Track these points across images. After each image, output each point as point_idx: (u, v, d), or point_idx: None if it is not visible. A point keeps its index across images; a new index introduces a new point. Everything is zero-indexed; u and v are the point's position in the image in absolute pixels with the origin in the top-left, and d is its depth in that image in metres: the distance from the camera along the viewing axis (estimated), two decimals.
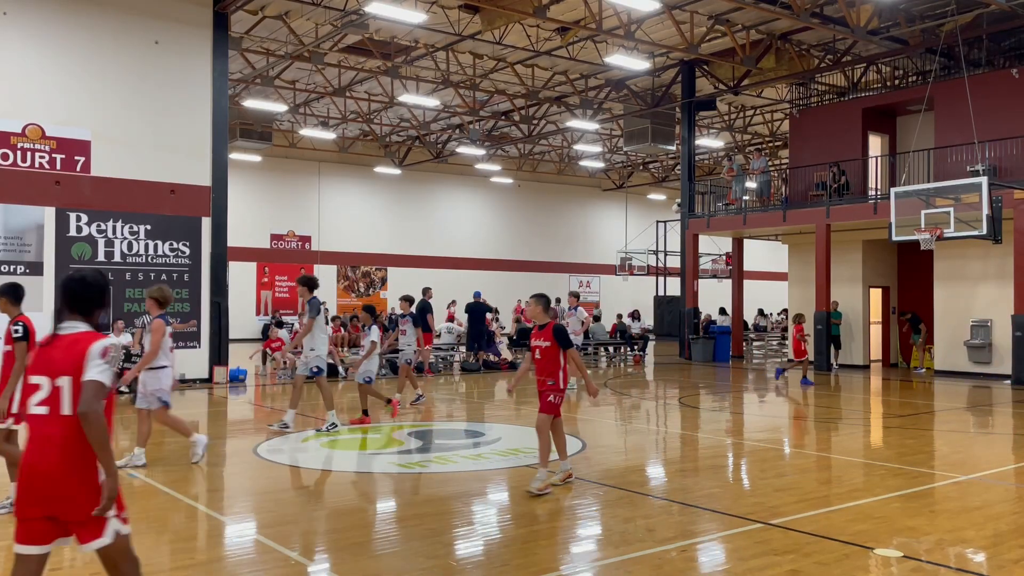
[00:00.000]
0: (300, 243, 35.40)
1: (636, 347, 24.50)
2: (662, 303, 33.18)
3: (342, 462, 9.25)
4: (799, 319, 17.79)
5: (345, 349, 19.32)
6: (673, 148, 26.57)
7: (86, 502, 3.71)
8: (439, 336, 21.70)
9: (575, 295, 17.60)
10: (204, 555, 5.71)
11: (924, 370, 20.02)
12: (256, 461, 9.05)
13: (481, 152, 34.09)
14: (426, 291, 18.37)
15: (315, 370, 11.05)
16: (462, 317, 23.19)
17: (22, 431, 5.55)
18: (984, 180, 15.64)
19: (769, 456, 9.71)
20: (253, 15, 20.06)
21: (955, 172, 18.61)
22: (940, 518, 6.68)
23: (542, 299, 8.06)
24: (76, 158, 15.62)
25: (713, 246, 33.09)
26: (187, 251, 16.67)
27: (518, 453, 9.42)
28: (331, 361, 18.20)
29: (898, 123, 22.40)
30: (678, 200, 26.42)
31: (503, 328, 28.84)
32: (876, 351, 22.65)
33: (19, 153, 15.13)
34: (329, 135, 31.27)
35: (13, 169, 15.05)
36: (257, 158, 33.05)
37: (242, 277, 32.68)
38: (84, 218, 15.67)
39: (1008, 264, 17.99)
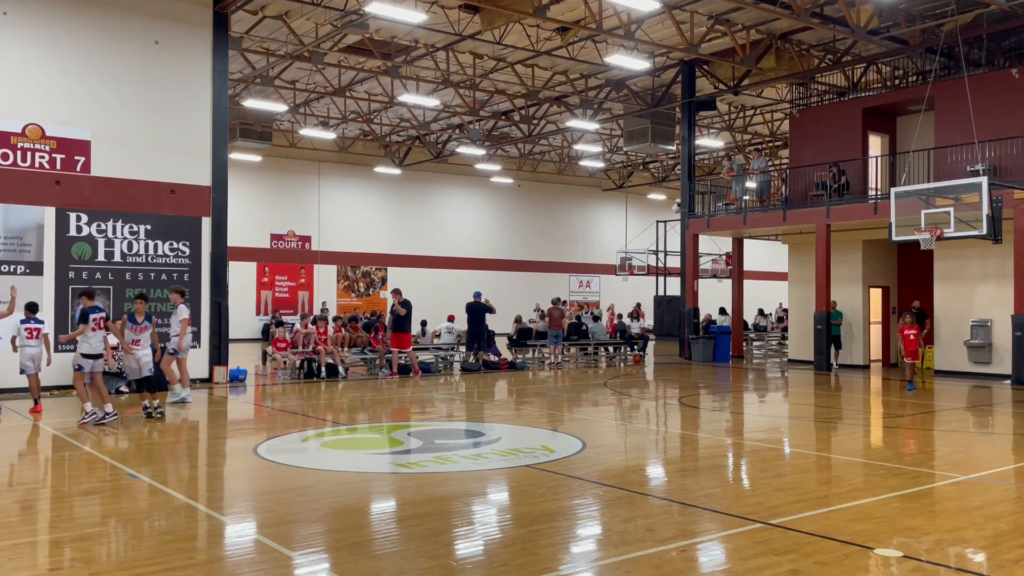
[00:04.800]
0: (300, 243, 35.41)
1: (636, 347, 24.51)
2: (662, 303, 33.20)
3: (342, 462, 9.25)
4: (907, 317, 16.75)
5: (345, 349, 19.31)
6: (673, 148, 26.58)
7: None
8: (439, 336, 21.69)
9: (178, 291, 14.07)
10: (204, 555, 5.71)
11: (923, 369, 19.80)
12: (256, 461, 9.05)
13: (481, 152, 34.10)
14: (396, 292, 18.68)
15: None
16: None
17: None
18: (984, 180, 15.63)
19: (769, 456, 9.71)
20: (253, 15, 20.06)
21: (955, 172, 18.61)
22: (940, 518, 6.68)
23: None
24: (76, 158, 15.62)
25: (713, 246, 33.10)
26: (187, 251, 16.67)
27: (518, 453, 9.42)
28: (331, 361, 18.27)
29: (898, 123, 22.40)
30: (678, 200, 26.42)
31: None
32: (876, 351, 22.65)
33: (19, 153, 15.13)
34: (329, 135, 31.27)
35: (13, 169, 15.05)
36: (257, 158, 33.07)
37: (242, 277, 32.71)
38: (84, 218, 15.67)
39: (1008, 264, 17.99)
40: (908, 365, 16.63)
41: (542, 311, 28.51)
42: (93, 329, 11.42)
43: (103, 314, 11.73)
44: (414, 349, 20.76)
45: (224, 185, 17.17)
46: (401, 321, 18.23)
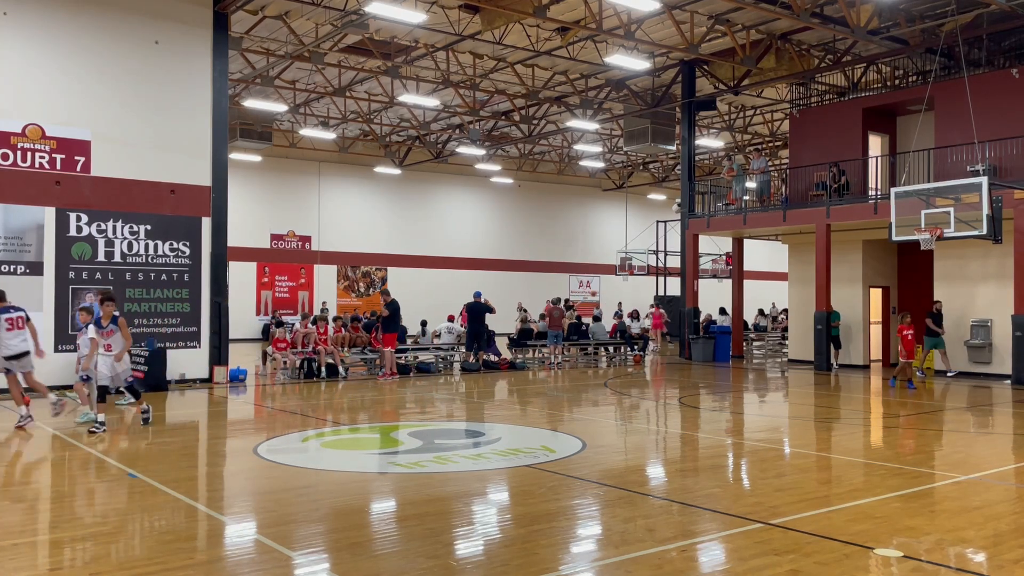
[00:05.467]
0: (300, 243, 35.41)
1: (636, 347, 24.51)
2: (662, 303, 33.19)
3: (342, 462, 9.25)
4: (907, 317, 17.02)
5: (345, 349, 19.30)
6: (673, 148, 26.57)
7: None
8: (439, 336, 21.69)
9: (109, 298, 11.40)
10: (204, 555, 5.71)
11: (923, 372, 19.70)
12: (256, 461, 9.05)
13: (481, 152, 34.09)
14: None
15: None
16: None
17: None
18: (984, 180, 15.63)
19: (769, 456, 9.71)
20: (253, 15, 20.06)
21: (955, 172, 18.60)
22: (940, 518, 6.68)
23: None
24: (76, 158, 15.62)
25: (713, 246, 33.11)
26: (187, 251, 16.67)
27: (518, 453, 9.42)
28: (331, 361, 18.27)
29: (898, 123, 22.39)
30: (678, 200, 26.42)
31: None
32: (876, 351, 22.65)
33: (19, 153, 15.13)
34: (329, 135, 31.27)
35: (13, 169, 15.05)
36: (257, 158, 33.06)
37: (242, 277, 32.71)
38: (84, 218, 15.67)
39: (1008, 264, 17.98)
40: (903, 364, 16.79)
41: (524, 310, 28.49)
42: (8, 329, 11.19)
43: (21, 313, 11.38)
44: (413, 349, 20.75)
45: (224, 185, 17.17)
46: (386, 322, 18.21)
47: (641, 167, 40.47)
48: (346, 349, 19.32)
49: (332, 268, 36.15)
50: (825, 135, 22.48)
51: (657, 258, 34.34)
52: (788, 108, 25.87)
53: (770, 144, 33.67)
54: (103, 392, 11.33)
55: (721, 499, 7.27)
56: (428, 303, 32.45)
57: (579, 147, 34.72)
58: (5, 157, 14.99)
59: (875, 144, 22.21)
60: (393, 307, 18.06)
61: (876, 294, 22.59)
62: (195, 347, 16.67)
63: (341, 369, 18.28)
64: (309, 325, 18.88)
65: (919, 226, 16.42)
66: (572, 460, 9.00)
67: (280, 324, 22.30)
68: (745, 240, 25.56)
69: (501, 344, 22.67)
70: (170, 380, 15.86)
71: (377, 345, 19.18)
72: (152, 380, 15.32)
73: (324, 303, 33.71)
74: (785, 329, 27.65)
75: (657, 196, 44.60)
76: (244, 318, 32.03)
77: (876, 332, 22.70)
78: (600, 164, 38.79)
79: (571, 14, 19.49)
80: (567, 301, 27.48)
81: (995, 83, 19.29)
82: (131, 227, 16.12)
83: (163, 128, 16.48)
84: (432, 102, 26.29)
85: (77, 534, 6.15)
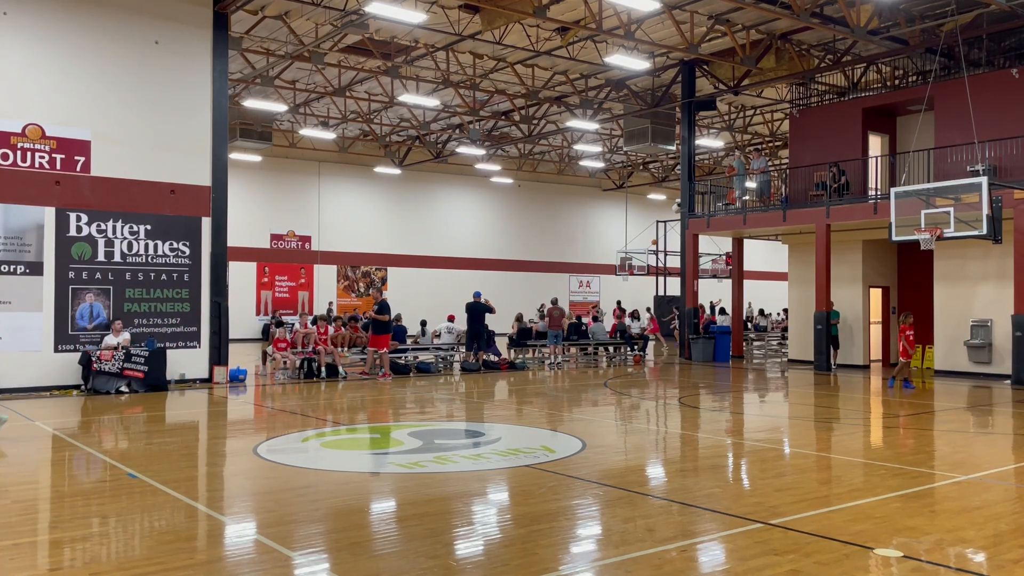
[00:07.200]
0: (300, 243, 35.42)
1: (636, 347, 24.50)
2: (662, 303, 33.20)
3: (342, 462, 9.25)
4: (909, 318, 16.87)
5: (345, 349, 19.31)
6: (673, 148, 26.57)
7: None
8: (439, 336, 21.68)
9: None
10: (204, 555, 5.71)
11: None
12: (256, 461, 9.05)
13: (481, 152, 34.09)
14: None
15: None
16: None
17: None
18: (984, 180, 15.62)
19: (769, 456, 9.71)
20: (253, 15, 20.06)
21: (955, 172, 18.60)
22: (940, 518, 6.68)
23: None
24: (76, 158, 15.62)
25: (713, 246, 33.10)
26: (187, 251, 16.66)
27: (518, 453, 9.42)
28: (331, 361, 18.27)
29: (898, 123, 22.39)
30: (678, 200, 26.42)
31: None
32: (876, 351, 22.65)
33: (19, 153, 15.13)
34: (329, 135, 31.27)
35: (13, 169, 15.05)
36: (257, 158, 33.07)
37: (242, 277, 32.72)
38: (84, 218, 15.67)
39: (1008, 264, 17.99)
40: (903, 364, 16.69)
41: (542, 312, 28.52)
42: None
43: None
44: (413, 349, 20.77)
45: (224, 185, 17.17)
46: (376, 323, 18.18)
47: (641, 167, 40.47)
48: (346, 349, 19.33)
49: (332, 268, 36.16)
50: (825, 135, 22.48)
51: (657, 258, 34.35)
52: (788, 108, 25.87)
53: (770, 144, 33.67)
54: None
55: (721, 499, 7.27)
56: (428, 303, 32.46)
57: (579, 147, 34.72)
58: (5, 157, 14.99)
59: (875, 144, 22.20)
60: (383, 308, 17.98)
61: (876, 294, 22.59)
62: (195, 347, 16.67)
63: (341, 369, 18.28)
64: (309, 325, 18.88)
65: (919, 226, 16.41)
66: (572, 460, 9.00)
67: (280, 324, 22.30)
68: (745, 240, 25.56)
69: (501, 344, 22.67)
70: (170, 380, 15.86)
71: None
72: (152, 380, 15.34)
73: (330, 303, 33.77)
74: (784, 330, 27.65)
75: (657, 196, 44.61)
76: (244, 318, 32.04)
77: (876, 332, 22.70)
78: (600, 164, 38.79)
79: (571, 14, 19.49)
80: (630, 308, 28.40)
81: (995, 83, 19.29)
82: (131, 227, 16.12)
83: (163, 128, 16.48)
84: (432, 102, 26.29)
85: (77, 534, 6.15)
